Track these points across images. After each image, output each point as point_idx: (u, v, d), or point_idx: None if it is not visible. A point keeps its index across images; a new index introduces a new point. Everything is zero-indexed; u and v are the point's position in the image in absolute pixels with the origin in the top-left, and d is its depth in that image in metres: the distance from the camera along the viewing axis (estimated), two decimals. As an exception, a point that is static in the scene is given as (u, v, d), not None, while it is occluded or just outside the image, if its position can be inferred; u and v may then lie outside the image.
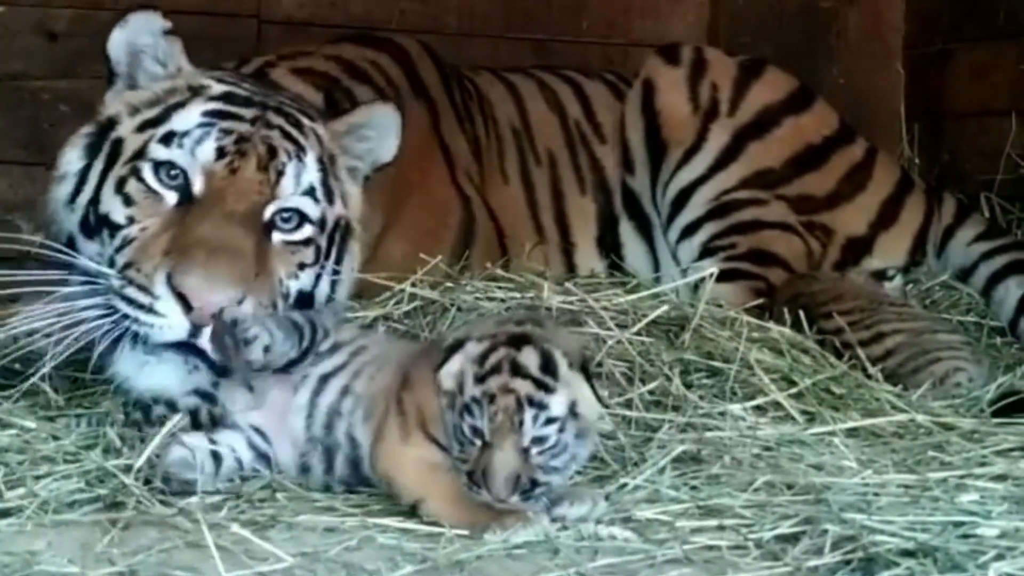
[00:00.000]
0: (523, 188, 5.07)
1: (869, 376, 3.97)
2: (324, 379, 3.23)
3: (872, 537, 2.79)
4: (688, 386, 3.69)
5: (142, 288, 3.45)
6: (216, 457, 3.24)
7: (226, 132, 3.65)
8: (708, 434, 3.46)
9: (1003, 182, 5.48)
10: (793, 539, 2.89)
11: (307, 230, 3.69)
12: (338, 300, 3.79)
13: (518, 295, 4.01)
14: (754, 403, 3.65)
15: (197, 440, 3.25)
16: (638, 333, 3.80)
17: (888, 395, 3.83)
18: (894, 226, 5.12)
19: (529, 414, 2.88)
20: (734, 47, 5.66)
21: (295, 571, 2.78)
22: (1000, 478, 3.23)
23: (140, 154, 3.67)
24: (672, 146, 5.09)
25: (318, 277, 3.72)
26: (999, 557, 2.72)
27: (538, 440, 2.89)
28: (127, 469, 3.17)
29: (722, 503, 3.09)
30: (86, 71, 5.40)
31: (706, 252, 4.94)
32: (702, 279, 4.16)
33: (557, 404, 2.91)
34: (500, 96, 5.20)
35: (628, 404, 3.59)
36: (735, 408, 3.59)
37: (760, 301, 4.50)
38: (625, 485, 3.20)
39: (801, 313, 4.17)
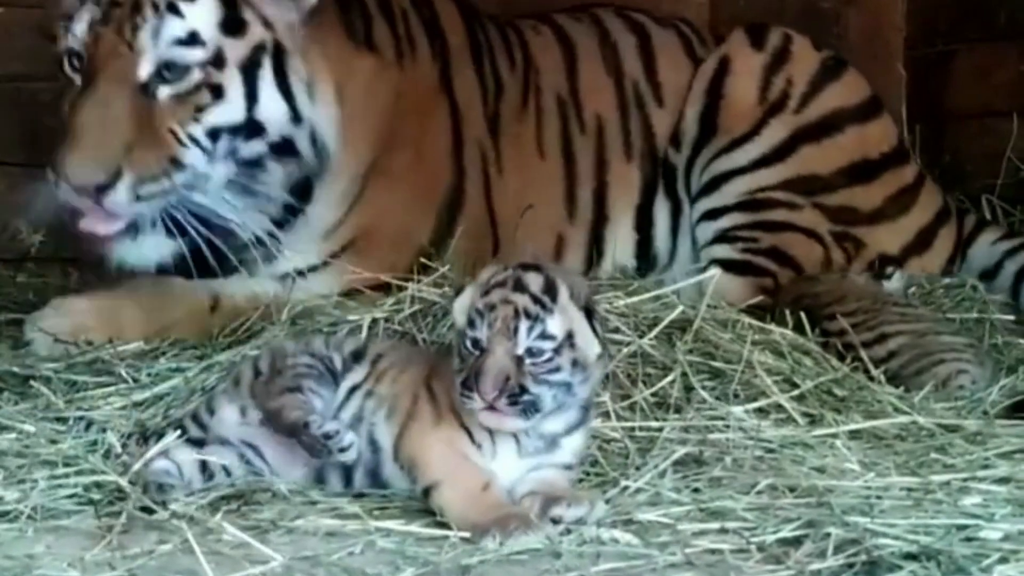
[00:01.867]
0: (562, 162, 4.96)
1: (872, 378, 3.96)
2: (350, 392, 3.24)
3: (875, 540, 2.79)
4: (690, 388, 3.68)
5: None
6: (204, 469, 3.24)
7: (96, 3, 3.89)
8: (710, 436, 3.45)
9: (1004, 184, 5.48)
10: (796, 542, 2.87)
11: (195, 75, 3.86)
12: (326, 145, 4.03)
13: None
14: (756, 405, 3.64)
15: (184, 454, 3.24)
16: (641, 335, 3.78)
17: (890, 397, 3.82)
18: (927, 253, 5.06)
19: (524, 324, 2.95)
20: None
21: (295, 574, 2.77)
22: (1003, 481, 3.22)
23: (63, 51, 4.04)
24: (722, 132, 5.01)
25: (250, 105, 3.99)
26: (1003, 560, 2.71)
27: (532, 352, 2.95)
28: (125, 474, 3.15)
29: (724, 506, 3.08)
30: (85, 72, 5.39)
31: (723, 239, 4.89)
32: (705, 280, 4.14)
33: (554, 324, 2.97)
34: (549, 60, 5.03)
35: (631, 406, 3.58)
36: (737, 410, 3.58)
37: (761, 299, 4.48)
38: (627, 488, 3.19)
39: (803, 315, 4.16)
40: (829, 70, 5.11)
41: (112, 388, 3.84)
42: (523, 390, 2.95)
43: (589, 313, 3.04)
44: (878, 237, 4.98)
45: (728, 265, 4.71)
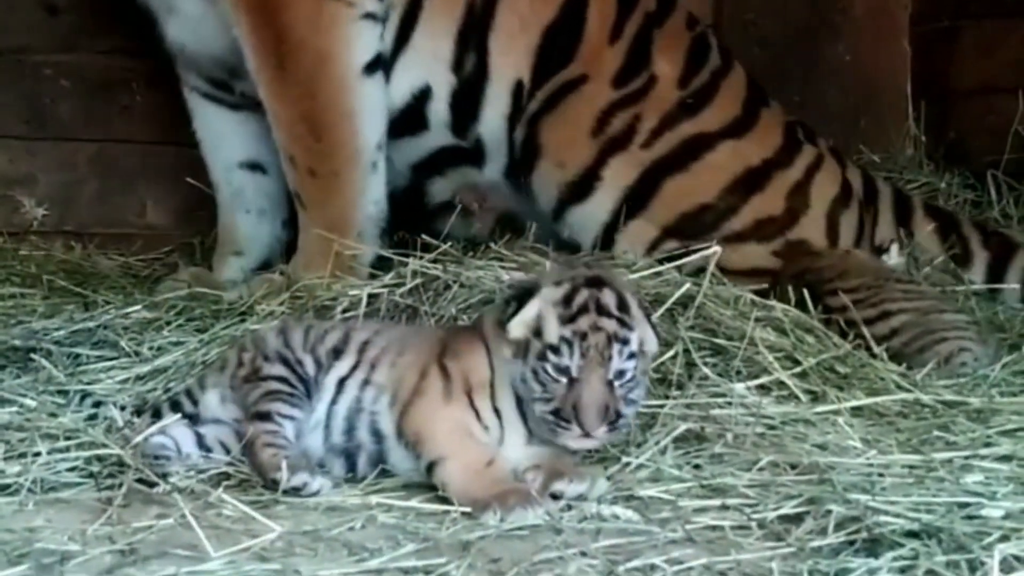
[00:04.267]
0: None
1: (874, 355, 3.95)
2: (341, 384, 3.22)
3: (876, 518, 2.78)
4: (692, 365, 3.67)
5: None
6: (202, 444, 3.25)
7: None
8: (712, 413, 3.44)
9: (1009, 160, 5.46)
10: (797, 519, 2.88)
11: None
12: None
13: (521, 274, 3.99)
14: (758, 382, 3.63)
15: (181, 429, 3.25)
16: (647, 315, 3.76)
17: (893, 375, 3.81)
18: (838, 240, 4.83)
19: (615, 349, 2.99)
20: (739, 24, 5.63)
21: (296, 549, 2.77)
22: (1005, 459, 3.21)
23: None
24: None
25: None
26: (1004, 538, 2.70)
27: (620, 373, 3.00)
28: (126, 448, 3.16)
29: (725, 482, 3.08)
30: (87, 46, 5.40)
31: None
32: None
33: (634, 340, 3.02)
34: None
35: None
36: (739, 387, 3.57)
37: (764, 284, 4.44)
38: (628, 464, 3.19)
39: (805, 291, 4.15)
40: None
41: (114, 362, 3.84)
42: (618, 415, 2.99)
43: (647, 312, 3.11)
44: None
45: None
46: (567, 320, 3.00)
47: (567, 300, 3.03)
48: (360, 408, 3.18)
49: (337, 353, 3.24)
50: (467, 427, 3.07)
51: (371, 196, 4.60)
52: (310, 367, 3.23)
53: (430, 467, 3.04)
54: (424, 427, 3.09)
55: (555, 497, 3.00)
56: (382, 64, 4.63)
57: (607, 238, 4.60)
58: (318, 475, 3.09)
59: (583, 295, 3.03)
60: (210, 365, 3.51)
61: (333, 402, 3.20)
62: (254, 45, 4.54)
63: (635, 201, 4.61)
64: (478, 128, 4.74)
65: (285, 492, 3.05)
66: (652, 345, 3.09)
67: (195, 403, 3.31)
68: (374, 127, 4.61)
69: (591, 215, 4.63)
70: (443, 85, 4.71)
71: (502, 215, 4.83)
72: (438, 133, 4.76)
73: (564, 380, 2.98)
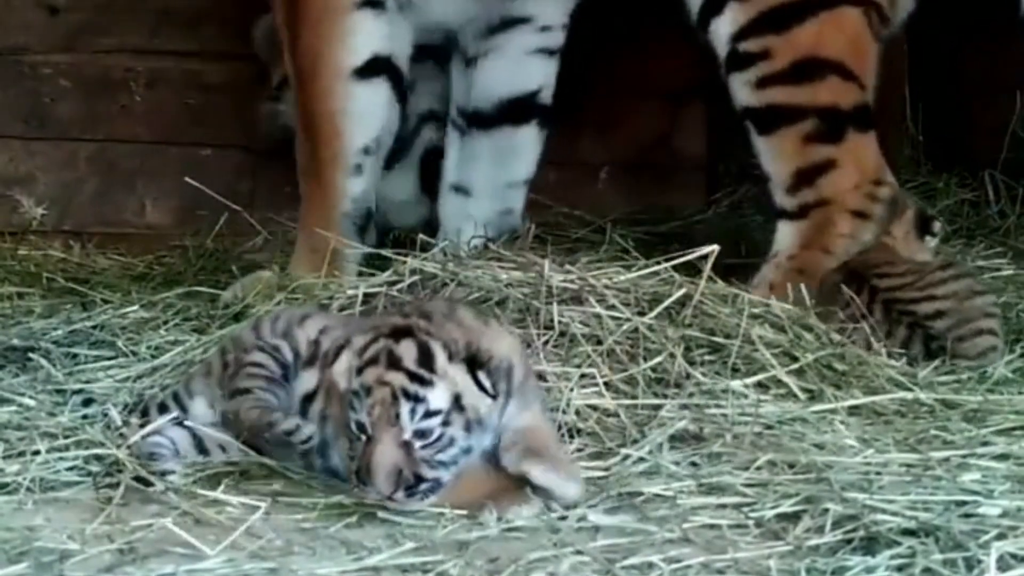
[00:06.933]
0: None
1: (876, 349, 3.95)
2: (306, 400, 3.17)
3: (873, 516, 2.78)
4: (690, 363, 3.67)
5: None
6: (199, 445, 3.25)
7: None
8: (709, 411, 3.45)
9: (1007, 160, 5.46)
10: (794, 518, 2.87)
11: None
12: None
13: (519, 274, 3.99)
14: (755, 379, 3.63)
15: (178, 429, 3.25)
16: (640, 312, 3.77)
17: (891, 371, 3.82)
18: None
19: (406, 407, 2.81)
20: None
21: (294, 548, 2.78)
22: (1002, 457, 3.22)
23: None
24: None
25: None
26: (1001, 536, 2.70)
27: (420, 434, 2.82)
28: (123, 447, 3.16)
29: (723, 481, 3.08)
30: (87, 45, 5.40)
31: (734, 61, 4.38)
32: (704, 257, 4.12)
33: (437, 397, 2.84)
34: None
35: (630, 381, 3.57)
36: (736, 385, 3.58)
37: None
38: (627, 458, 3.19)
39: (849, 274, 4.16)
40: None
41: (112, 361, 3.85)
42: (419, 479, 2.82)
43: (474, 362, 2.89)
44: None
45: (758, 127, 4.40)
46: (357, 372, 2.86)
47: (363, 350, 2.89)
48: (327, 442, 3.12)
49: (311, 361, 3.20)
50: None
51: (352, 196, 4.60)
52: (287, 353, 3.21)
53: None
54: None
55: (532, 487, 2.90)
56: (386, 67, 4.60)
57: None
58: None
59: (376, 346, 2.87)
60: (195, 370, 3.50)
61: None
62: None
63: None
64: None
65: (275, 443, 3.05)
66: (474, 399, 2.86)
67: (183, 408, 3.31)
68: (362, 131, 4.59)
69: None
70: None
71: None
72: None
73: (364, 437, 2.84)
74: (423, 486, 2.84)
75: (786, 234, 4.34)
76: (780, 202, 4.34)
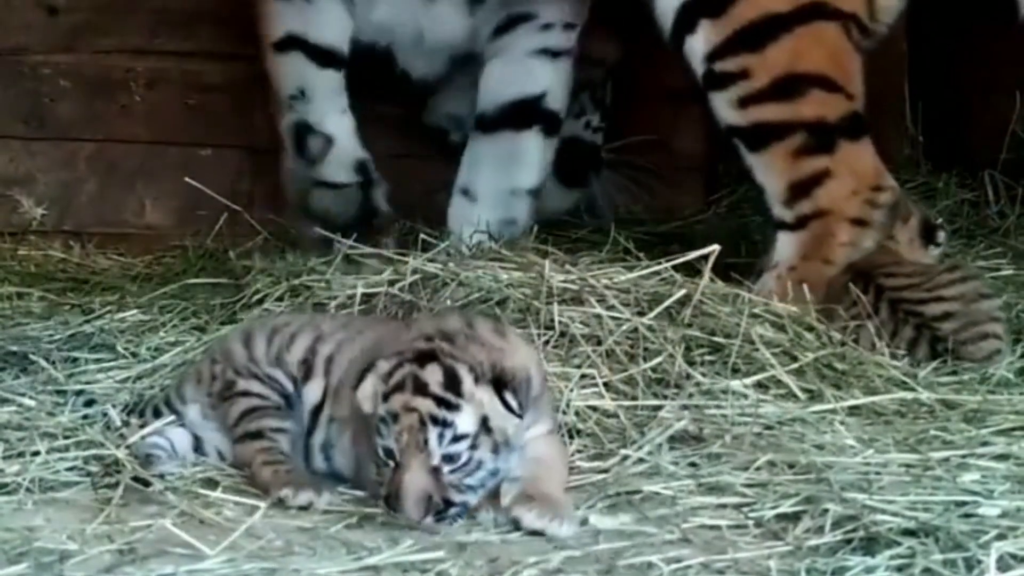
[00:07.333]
0: None
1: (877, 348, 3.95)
2: (315, 414, 3.17)
3: (873, 516, 2.79)
4: (690, 363, 3.68)
5: None
6: (197, 446, 3.26)
7: None
8: (708, 412, 3.45)
9: (1007, 160, 5.47)
10: (794, 518, 2.88)
11: None
12: None
13: (519, 274, 3.99)
14: (755, 379, 3.64)
15: (177, 430, 3.26)
16: (640, 312, 3.78)
17: (890, 371, 3.82)
18: None
19: (434, 432, 2.80)
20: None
21: (294, 548, 2.78)
22: (1002, 458, 3.22)
23: None
24: None
25: None
26: (1000, 537, 2.71)
27: (449, 459, 2.81)
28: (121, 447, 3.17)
29: (723, 481, 3.08)
30: (86, 46, 5.39)
31: (712, 81, 4.35)
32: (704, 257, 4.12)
33: (464, 421, 2.82)
34: None
35: (630, 381, 3.57)
36: (736, 385, 3.58)
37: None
38: (627, 458, 3.20)
39: (857, 274, 4.16)
40: None
41: (112, 363, 3.85)
42: (448, 503, 2.82)
43: (500, 383, 2.88)
44: None
45: (748, 144, 4.36)
46: (383, 398, 2.85)
47: (388, 375, 2.87)
48: (333, 444, 3.14)
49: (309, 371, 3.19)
50: None
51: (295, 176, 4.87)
52: (287, 383, 3.19)
53: None
54: None
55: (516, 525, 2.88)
56: (312, 48, 4.87)
57: None
58: (322, 487, 3.03)
59: (402, 372, 2.85)
60: (185, 374, 3.49)
61: (309, 433, 3.17)
62: None
63: None
64: None
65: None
66: (502, 420, 2.85)
67: (177, 414, 3.31)
68: (289, 84, 4.93)
69: None
70: None
71: None
72: None
73: (392, 464, 2.83)
74: (452, 511, 2.83)
75: (786, 244, 4.32)
76: (778, 214, 4.32)
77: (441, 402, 2.82)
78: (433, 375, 2.84)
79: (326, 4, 4.89)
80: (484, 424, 2.85)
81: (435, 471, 2.81)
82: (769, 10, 4.24)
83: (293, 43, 4.93)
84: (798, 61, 4.25)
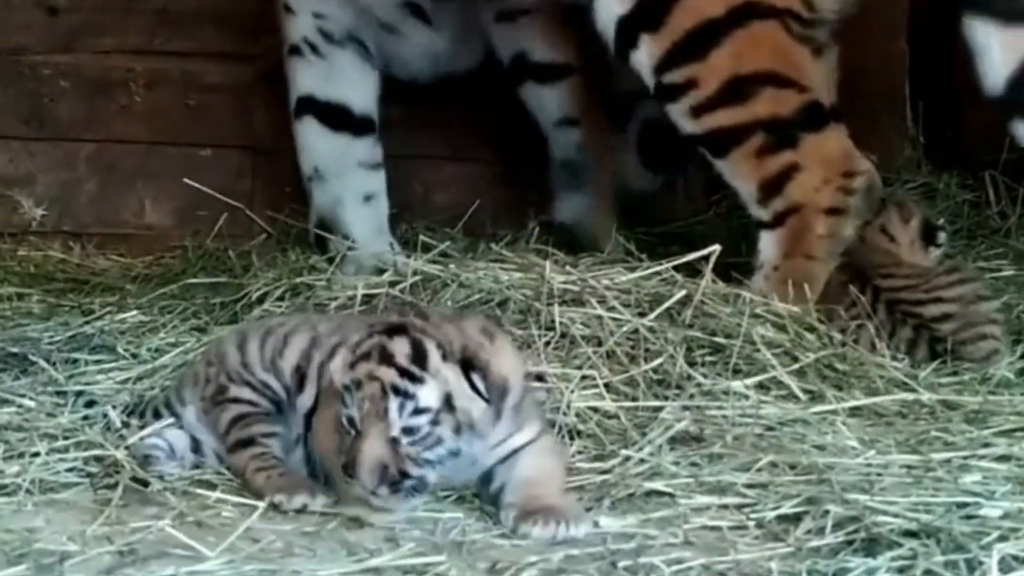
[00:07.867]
0: None
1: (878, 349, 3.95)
2: (309, 417, 3.16)
3: (875, 518, 2.79)
4: (691, 364, 3.67)
5: None
6: (196, 447, 3.25)
7: None
8: (709, 412, 3.45)
9: (1007, 161, 5.46)
10: (795, 519, 2.88)
11: None
12: None
13: (520, 275, 3.99)
14: (756, 379, 3.63)
15: (175, 431, 3.26)
16: (641, 313, 3.77)
17: (891, 371, 3.82)
18: None
19: (395, 403, 2.80)
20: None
21: (294, 550, 2.78)
22: (1003, 459, 3.22)
23: None
24: None
25: None
26: (1002, 538, 2.70)
27: (408, 431, 2.81)
28: (122, 448, 3.16)
29: (724, 482, 3.08)
30: (86, 46, 5.39)
31: (663, 93, 4.35)
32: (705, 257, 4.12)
33: (427, 395, 2.82)
34: None
35: (630, 382, 3.57)
36: (737, 385, 3.58)
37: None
38: (628, 459, 3.19)
39: (854, 274, 4.17)
40: None
41: (112, 364, 3.85)
42: (404, 475, 2.80)
43: (469, 365, 2.86)
44: None
45: (713, 151, 4.38)
46: (350, 367, 2.84)
47: (357, 345, 2.88)
48: None
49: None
50: None
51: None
52: (279, 390, 3.19)
53: None
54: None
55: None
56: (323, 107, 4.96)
57: None
58: (317, 489, 3.02)
59: (370, 342, 2.85)
60: (183, 376, 3.48)
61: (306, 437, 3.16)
62: None
63: None
64: None
65: None
66: (468, 401, 2.84)
67: (176, 416, 3.31)
68: (306, 160, 5.03)
69: None
70: None
71: None
72: None
73: (353, 433, 2.82)
74: (408, 483, 2.82)
75: (768, 244, 4.31)
76: (756, 214, 4.32)
77: (404, 373, 2.81)
78: (400, 347, 2.84)
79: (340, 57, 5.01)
80: (448, 402, 2.84)
81: (394, 442, 2.80)
82: (704, 16, 4.24)
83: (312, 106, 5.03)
84: (742, 63, 4.25)
